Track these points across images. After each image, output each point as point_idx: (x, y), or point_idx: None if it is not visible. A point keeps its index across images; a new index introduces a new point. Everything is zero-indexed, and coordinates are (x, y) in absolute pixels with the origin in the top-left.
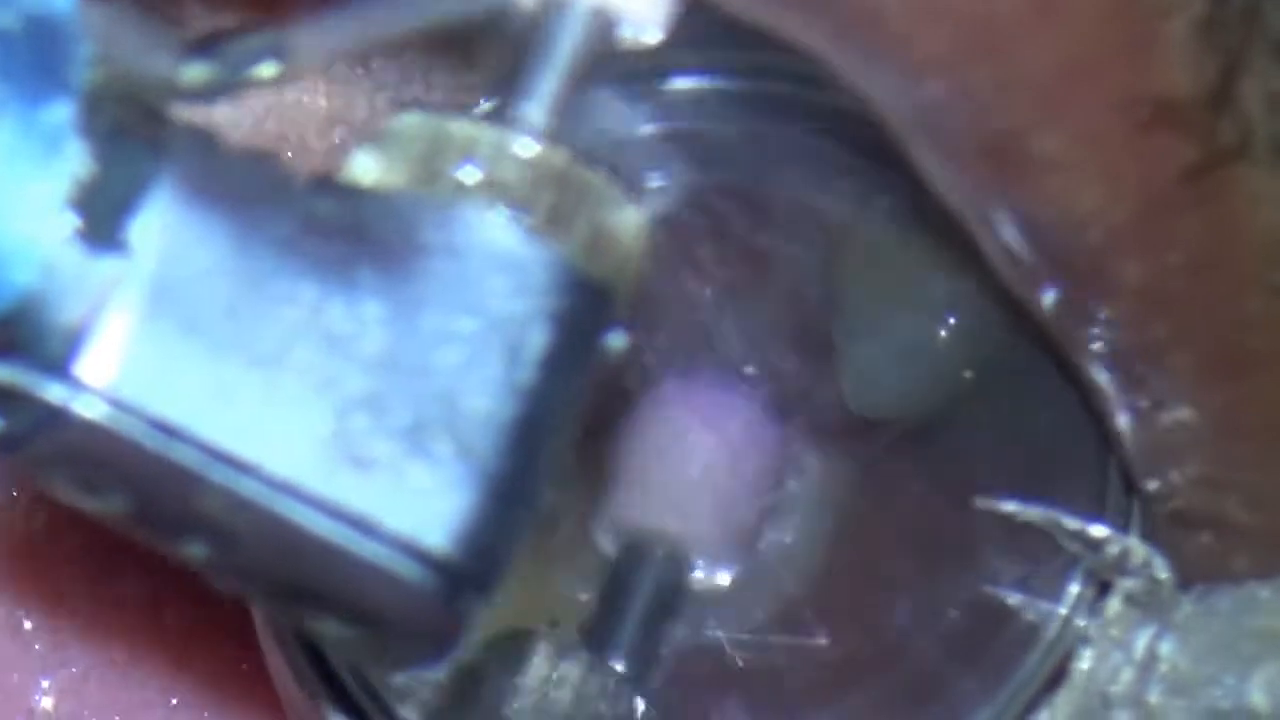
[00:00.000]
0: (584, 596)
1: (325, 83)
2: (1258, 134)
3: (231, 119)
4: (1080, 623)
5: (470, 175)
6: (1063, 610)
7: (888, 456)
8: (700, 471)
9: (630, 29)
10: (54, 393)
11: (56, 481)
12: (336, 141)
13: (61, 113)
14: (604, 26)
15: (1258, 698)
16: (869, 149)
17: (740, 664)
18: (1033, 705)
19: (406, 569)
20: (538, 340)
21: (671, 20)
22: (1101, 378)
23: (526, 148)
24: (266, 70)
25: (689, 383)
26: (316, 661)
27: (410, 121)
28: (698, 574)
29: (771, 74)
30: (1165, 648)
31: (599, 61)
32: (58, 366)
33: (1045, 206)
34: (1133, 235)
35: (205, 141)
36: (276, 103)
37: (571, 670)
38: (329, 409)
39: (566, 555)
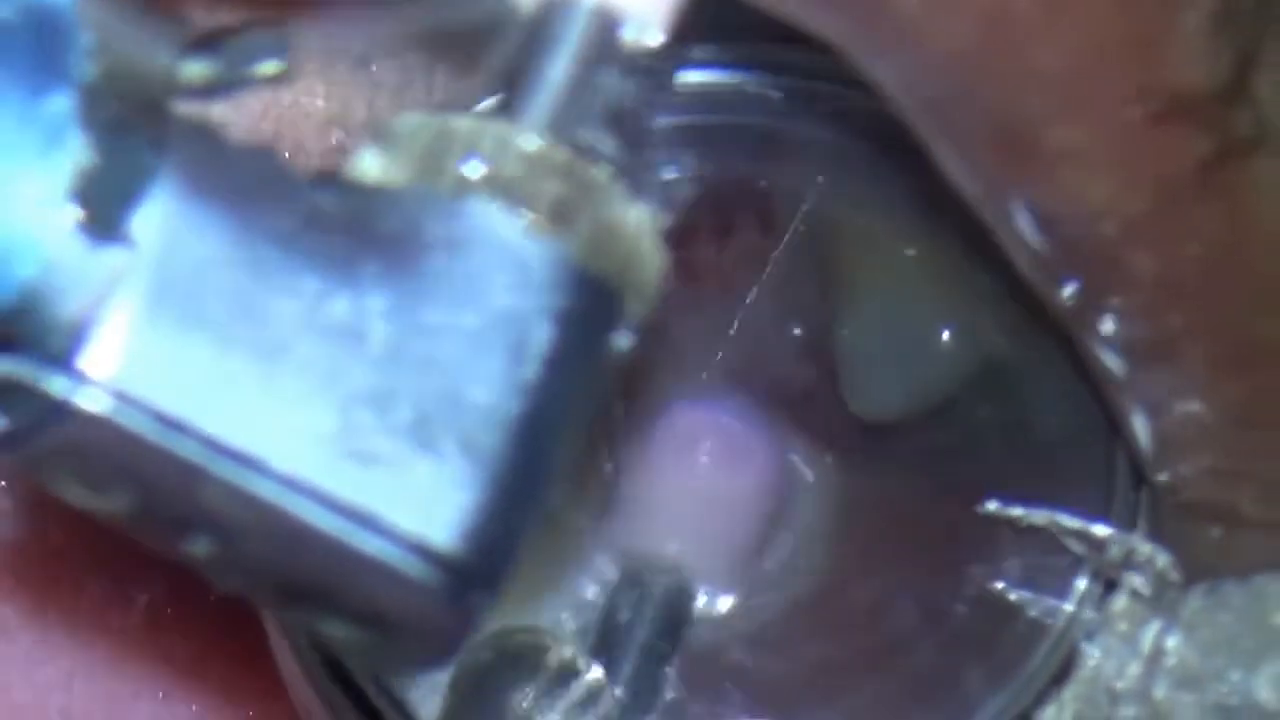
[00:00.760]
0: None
1: (323, 84)
2: (1272, 126)
3: (228, 119)
4: (1087, 618)
5: (474, 170)
6: (1069, 606)
7: (891, 456)
8: (702, 496)
9: (632, 30)
10: (57, 386)
11: (60, 480)
12: (334, 143)
13: (62, 103)
14: (606, 27)
15: (1265, 693)
16: (877, 148)
17: (745, 663)
18: (1039, 700)
19: (412, 566)
20: (542, 336)
21: (674, 21)
22: (1114, 370)
23: (530, 143)
24: (268, 68)
25: (690, 406)
26: (334, 670)
27: (413, 120)
28: (700, 599)
29: (780, 70)
30: (1172, 643)
31: (602, 62)
32: (61, 360)
33: (1060, 199)
34: (1147, 227)
35: (207, 135)
36: (274, 103)
37: (575, 689)
38: (333, 403)
39: (567, 579)
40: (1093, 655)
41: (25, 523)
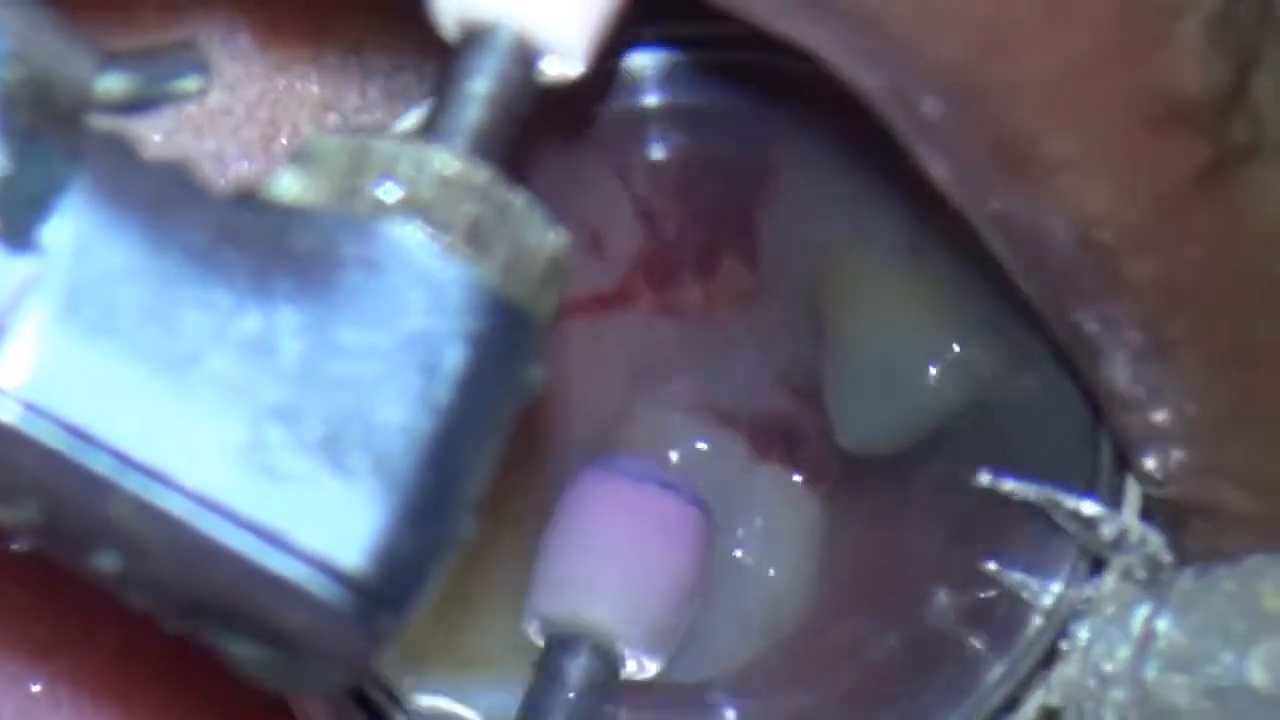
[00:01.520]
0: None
1: (317, 70)
2: (1269, 132)
3: (224, 105)
4: (1076, 600)
5: (390, 193)
6: (1058, 587)
7: (878, 487)
8: (624, 563)
9: (553, 60)
10: None
11: None
12: (330, 127)
13: None
14: (526, 58)
15: (1257, 674)
16: (864, 174)
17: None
18: (1029, 682)
19: (319, 586)
20: (454, 358)
21: (595, 52)
22: (1108, 375)
23: (448, 165)
24: (187, 85)
25: (611, 472)
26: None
27: (331, 141)
28: (629, 664)
29: (771, 91)
30: (1162, 624)
31: (522, 93)
32: None
33: (1056, 208)
34: (1144, 234)
35: (121, 148)
36: (269, 89)
37: None
38: (243, 418)
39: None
40: (1082, 637)
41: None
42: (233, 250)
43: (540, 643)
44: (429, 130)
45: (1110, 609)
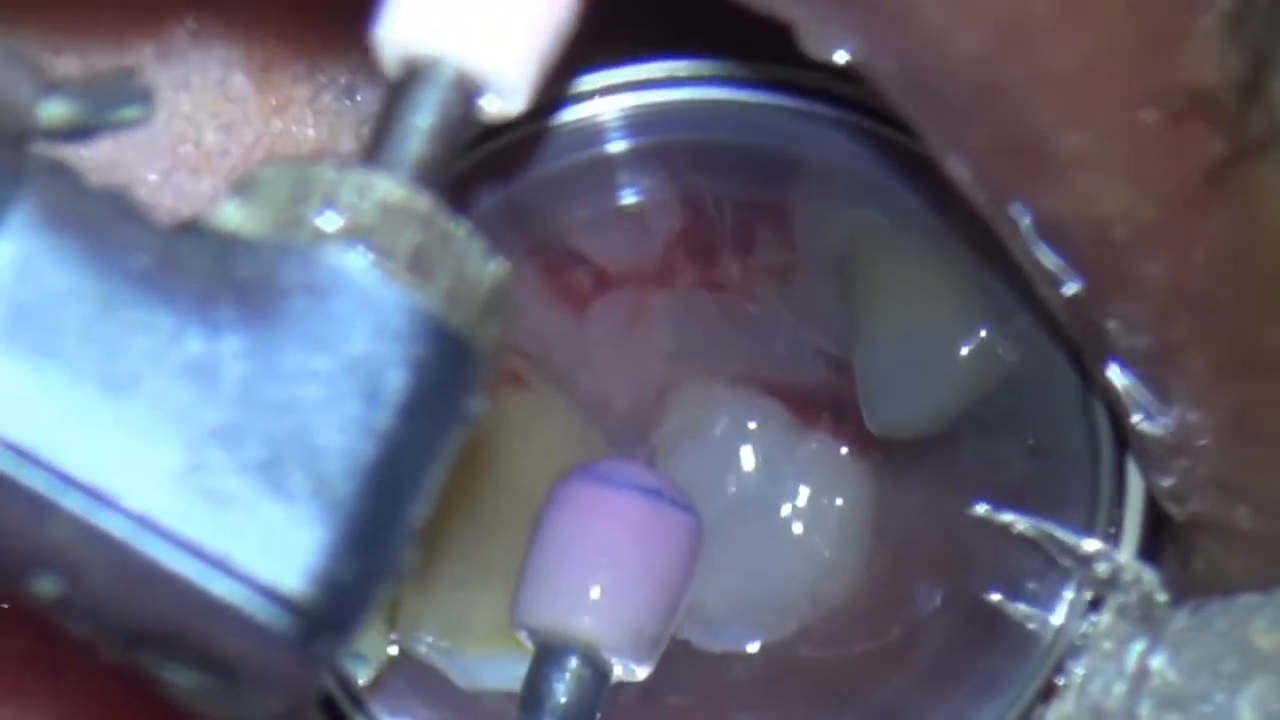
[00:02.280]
0: None
1: (312, 113)
2: None
3: (221, 147)
4: (1073, 635)
5: (330, 222)
6: (1056, 622)
7: (896, 467)
8: (607, 572)
9: (494, 97)
10: None
11: None
12: None
13: None
14: (467, 94)
15: (1246, 714)
16: (889, 162)
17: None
18: (1026, 718)
19: (259, 609)
20: (396, 383)
21: (535, 90)
22: (1119, 380)
23: (390, 193)
24: (129, 113)
25: (593, 479)
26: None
27: (274, 170)
28: (616, 670)
29: (797, 90)
30: (1157, 662)
31: (462, 128)
32: None
33: (1071, 206)
34: (1157, 233)
35: (64, 173)
36: (265, 132)
37: None
38: (184, 440)
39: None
40: (1078, 674)
41: None
42: (175, 275)
43: (531, 648)
44: (370, 161)
45: (1107, 645)
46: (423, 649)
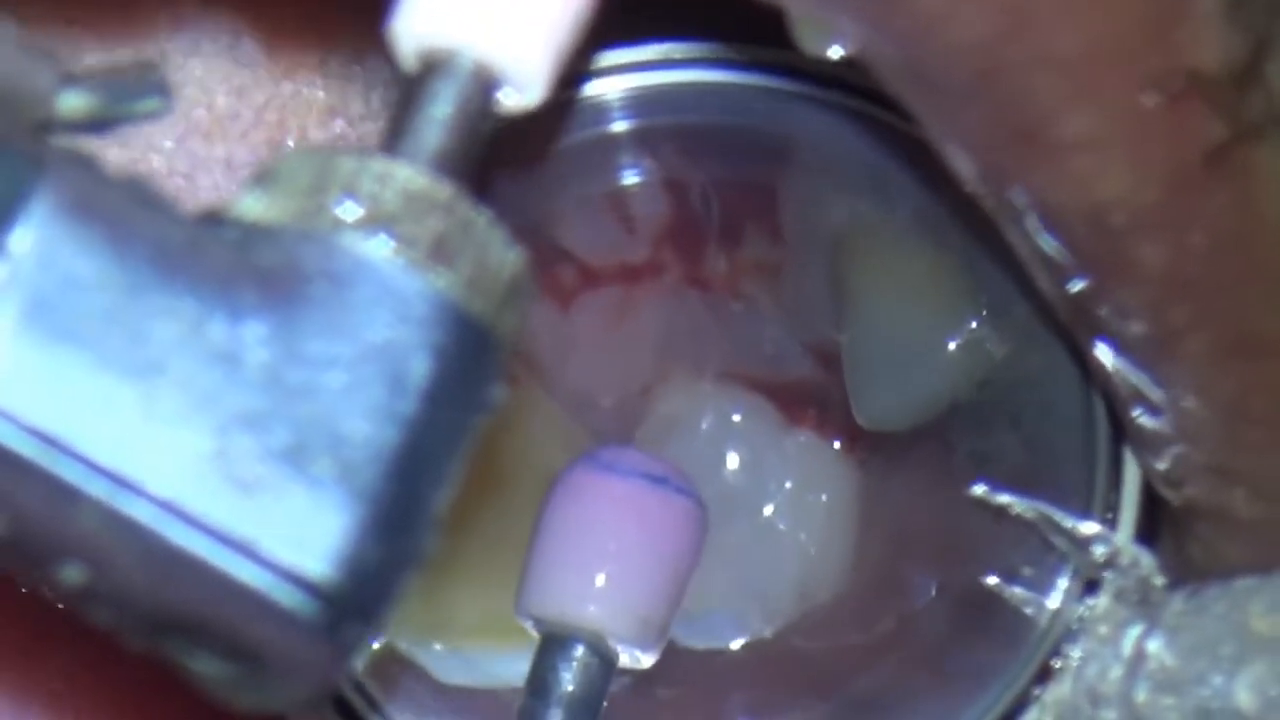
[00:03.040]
0: None
1: (322, 77)
2: None
3: (232, 110)
4: (1069, 620)
5: (351, 212)
6: (1052, 606)
7: (885, 460)
8: (612, 560)
9: (512, 90)
10: None
11: None
12: (337, 131)
13: None
14: (485, 86)
15: (1244, 697)
16: (885, 146)
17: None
18: (1021, 703)
19: (284, 595)
20: (419, 371)
21: (553, 83)
22: (1115, 365)
23: (412, 181)
24: (148, 105)
25: (596, 467)
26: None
27: (295, 159)
28: (623, 657)
29: (790, 73)
30: (1153, 646)
31: (481, 120)
32: None
33: (1069, 189)
34: (1155, 218)
35: (84, 162)
36: (275, 94)
37: None
38: (209, 426)
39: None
40: (1074, 657)
41: None
42: (198, 262)
43: (536, 636)
44: (390, 151)
45: (1103, 629)
46: (404, 643)
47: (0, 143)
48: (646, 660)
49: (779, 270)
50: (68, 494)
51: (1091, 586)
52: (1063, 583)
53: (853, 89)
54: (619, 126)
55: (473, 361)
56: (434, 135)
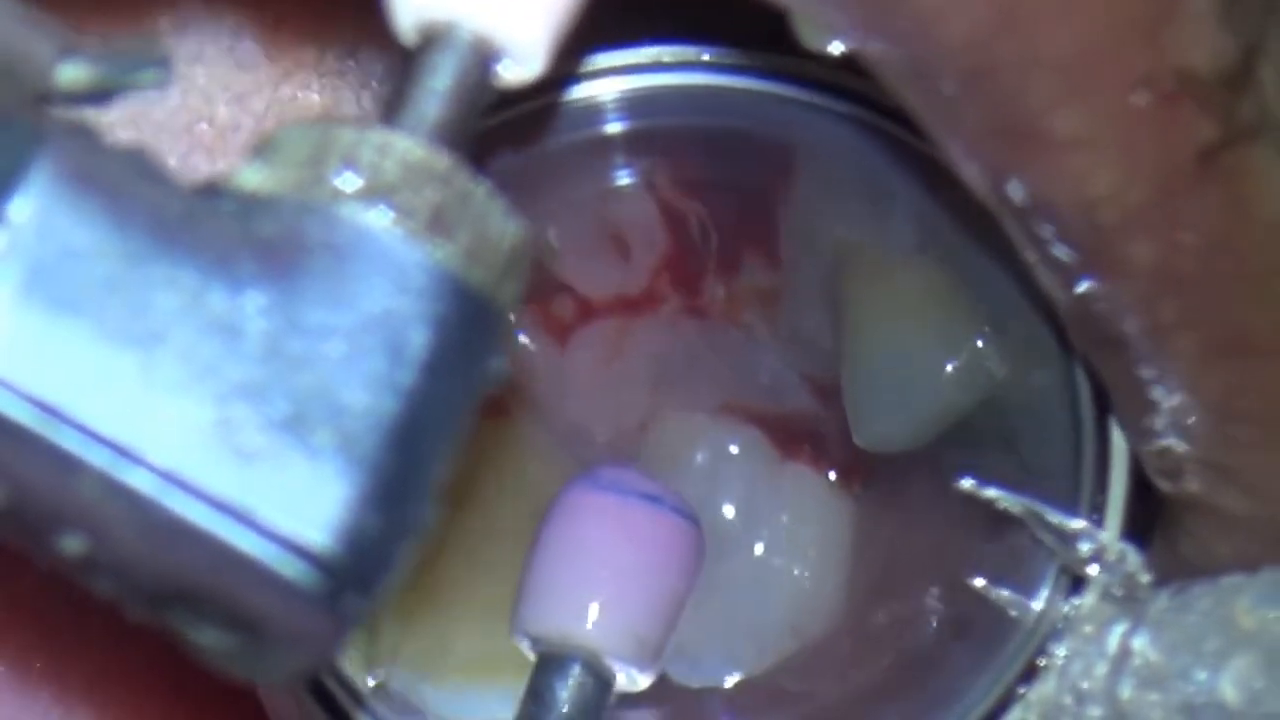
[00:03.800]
0: None
1: (317, 77)
2: (1274, 114)
3: (234, 120)
4: (1054, 618)
5: (350, 183)
6: (1038, 604)
7: (881, 489)
8: (610, 579)
9: (511, 62)
10: None
11: None
12: None
13: None
14: (484, 58)
15: (1229, 691)
16: (880, 173)
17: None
18: (1007, 700)
19: (284, 564)
20: (418, 341)
21: (552, 55)
22: (1112, 364)
23: (410, 152)
24: (146, 77)
25: (595, 486)
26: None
27: (294, 131)
28: (619, 678)
29: (788, 77)
30: (1138, 642)
31: (480, 92)
32: None
33: (1061, 187)
34: (1146, 216)
35: (84, 133)
36: (275, 99)
37: None
38: (209, 396)
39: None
40: (1059, 656)
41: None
42: (197, 233)
43: (532, 658)
44: (389, 122)
45: (1088, 628)
46: (399, 680)
47: (0, 113)
48: (643, 681)
49: (777, 296)
50: (68, 464)
51: (1077, 586)
52: (1048, 583)
53: (850, 94)
54: (612, 129)
55: (472, 332)
56: (433, 107)
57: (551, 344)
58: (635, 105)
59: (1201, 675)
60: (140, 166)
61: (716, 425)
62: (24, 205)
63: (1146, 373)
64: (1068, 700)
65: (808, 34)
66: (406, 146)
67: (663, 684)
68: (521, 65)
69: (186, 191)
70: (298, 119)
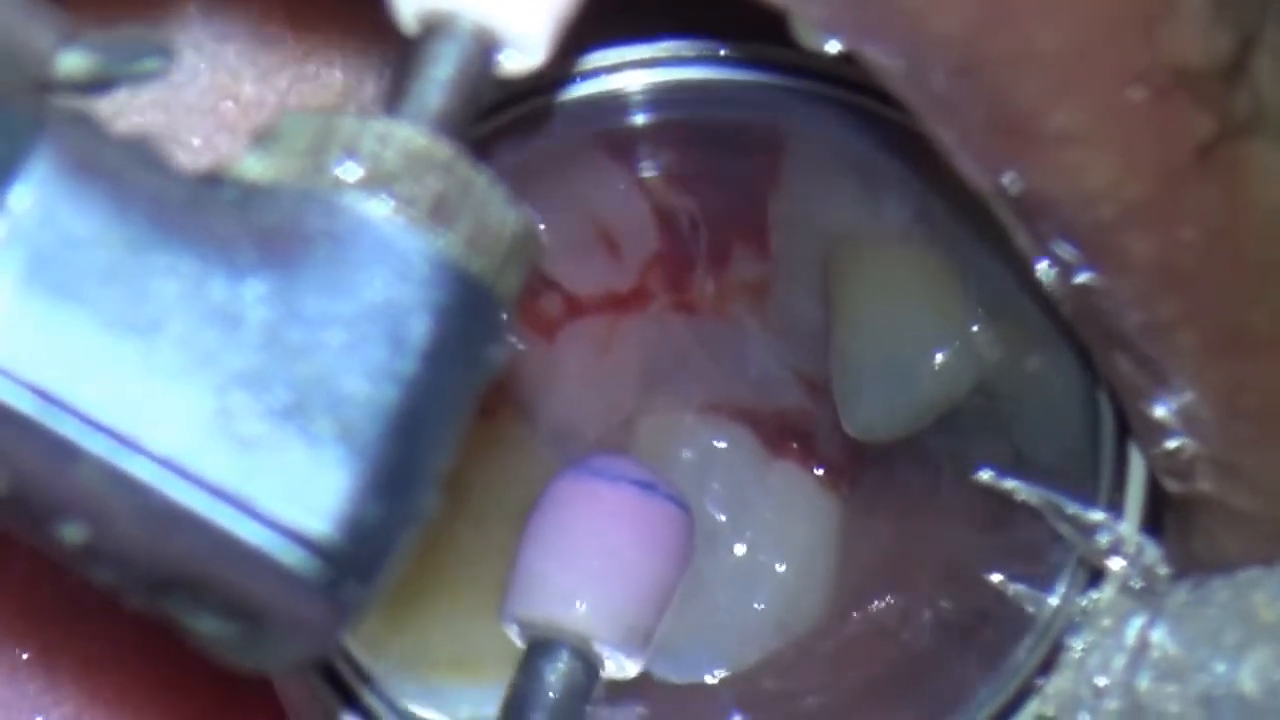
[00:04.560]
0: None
1: (340, 56)
2: (1270, 109)
3: (258, 97)
4: (1072, 611)
5: (350, 172)
6: (1055, 600)
7: (870, 485)
8: (599, 565)
9: (513, 52)
10: None
11: None
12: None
13: None
14: (485, 48)
15: (1248, 683)
16: (871, 160)
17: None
18: (1024, 693)
19: (284, 553)
20: (419, 330)
21: (554, 45)
22: (1117, 360)
23: (412, 140)
24: (148, 65)
25: (586, 473)
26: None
27: (295, 120)
28: (608, 665)
29: (785, 70)
30: (1157, 635)
31: (481, 81)
32: None
33: (1058, 182)
34: (1144, 211)
35: (85, 120)
36: (299, 76)
37: None
38: (209, 384)
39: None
40: (1077, 649)
41: (41, 565)
42: (198, 221)
43: (520, 645)
44: (390, 112)
45: (1106, 621)
46: (382, 676)
47: (0, 101)
48: (631, 668)
49: (767, 288)
50: (67, 451)
51: (1095, 580)
52: (1065, 577)
53: (840, 80)
54: (601, 125)
55: (473, 321)
56: (434, 96)
57: (539, 341)
58: (624, 102)
59: (1220, 667)
60: (141, 155)
61: (703, 422)
62: (24, 193)
63: (1151, 370)
64: (1085, 693)
65: (804, 33)
66: (408, 135)
67: (645, 681)
68: (523, 55)
69: (187, 180)
70: (320, 97)
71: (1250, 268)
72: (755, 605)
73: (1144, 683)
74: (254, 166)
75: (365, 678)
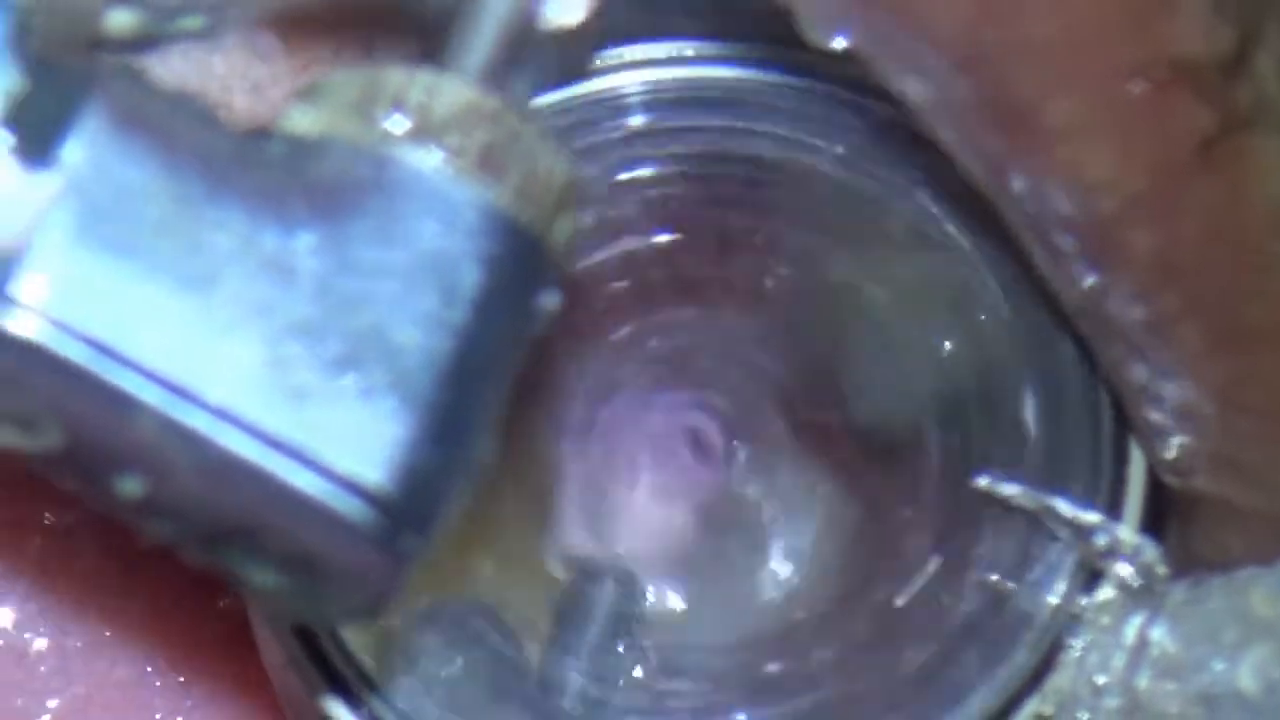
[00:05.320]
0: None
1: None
2: (1271, 102)
3: (251, 112)
4: (1071, 610)
5: (399, 125)
6: (1053, 599)
7: (876, 471)
8: (646, 497)
9: (554, 7)
10: None
11: None
12: None
13: None
14: (530, 1)
15: (1247, 681)
16: (882, 148)
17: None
18: (1023, 692)
19: (341, 503)
20: (470, 279)
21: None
22: (1118, 355)
23: (460, 93)
24: (191, 23)
25: (632, 407)
26: (314, 651)
27: (342, 74)
28: (650, 597)
29: (788, 68)
30: (1156, 634)
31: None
32: None
33: (1059, 176)
34: (1145, 204)
35: (134, 76)
36: (316, 59)
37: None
38: (263, 335)
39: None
40: (1076, 647)
41: (54, 548)
42: (248, 174)
43: (562, 576)
44: (438, 65)
45: (1105, 620)
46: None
47: (50, 58)
48: (675, 599)
49: (767, 276)
50: (124, 403)
51: (1094, 579)
52: (1064, 577)
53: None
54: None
55: (524, 270)
56: (480, 49)
57: (545, 340)
58: (638, 101)
59: (1219, 665)
60: (189, 109)
61: (711, 415)
62: (77, 148)
63: (1152, 365)
64: (1084, 691)
65: (810, 31)
66: (455, 87)
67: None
68: (566, 8)
69: (235, 134)
70: None
71: (1251, 261)
72: (757, 598)
73: (1143, 681)
74: (301, 120)
75: (351, 662)
